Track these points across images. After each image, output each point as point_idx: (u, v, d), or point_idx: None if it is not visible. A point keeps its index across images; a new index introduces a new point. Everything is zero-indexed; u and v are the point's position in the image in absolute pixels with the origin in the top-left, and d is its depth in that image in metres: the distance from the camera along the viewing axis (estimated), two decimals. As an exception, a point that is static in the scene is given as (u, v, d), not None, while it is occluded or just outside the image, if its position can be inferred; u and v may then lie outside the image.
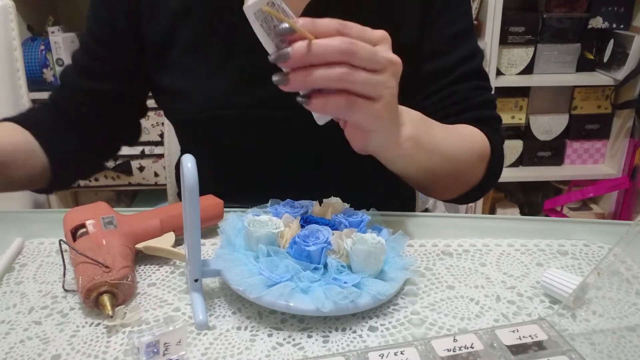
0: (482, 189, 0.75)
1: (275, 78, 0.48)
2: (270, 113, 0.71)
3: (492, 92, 0.79)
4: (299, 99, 0.49)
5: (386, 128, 0.54)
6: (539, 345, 0.44)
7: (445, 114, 0.74)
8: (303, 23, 0.46)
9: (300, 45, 0.46)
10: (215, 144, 0.77)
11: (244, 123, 0.73)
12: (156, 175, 1.99)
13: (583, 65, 1.98)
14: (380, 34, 0.50)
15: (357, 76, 0.47)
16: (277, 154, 0.76)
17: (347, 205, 0.61)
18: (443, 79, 0.74)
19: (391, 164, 0.62)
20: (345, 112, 0.50)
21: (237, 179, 0.79)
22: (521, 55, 1.94)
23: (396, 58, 0.51)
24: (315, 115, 0.53)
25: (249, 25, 0.47)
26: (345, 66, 0.47)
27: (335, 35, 0.47)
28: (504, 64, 1.95)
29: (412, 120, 0.59)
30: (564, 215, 2.13)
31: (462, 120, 0.74)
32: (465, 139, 0.71)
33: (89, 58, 0.77)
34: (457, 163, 0.68)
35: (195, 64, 0.72)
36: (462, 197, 0.74)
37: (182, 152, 0.90)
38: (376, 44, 0.50)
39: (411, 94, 0.77)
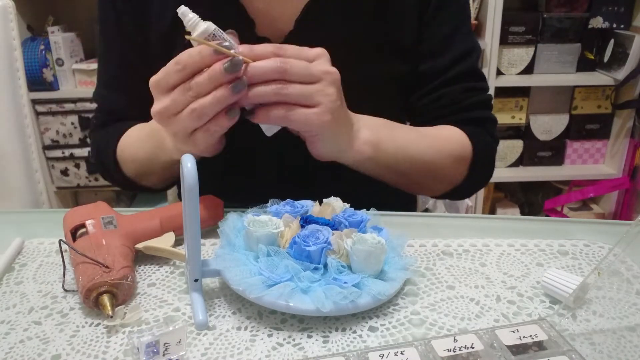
0: (468, 188, 0.76)
1: None
2: None
3: (488, 92, 0.79)
4: (245, 114, 0.55)
5: (333, 132, 0.58)
6: (539, 346, 0.44)
7: (438, 115, 0.74)
8: (241, 50, 0.53)
9: None
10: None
11: (243, 124, 0.73)
12: (156, 175, 1.99)
13: (583, 65, 1.98)
14: (317, 50, 0.56)
15: (290, 89, 0.53)
16: (277, 154, 0.76)
17: (347, 205, 0.61)
18: (437, 80, 0.75)
19: (356, 167, 0.66)
20: (285, 120, 0.55)
21: (237, 179, 0.79)
22: (521, 55, 1.94)
23: (332, 69, 0.56)
24: (263, 127, 0.59)
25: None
26: (280, 82, 0.53)
27: (272, 57, 0.53)
28: (504, 64, 1.95)
29: (370, 125, 0.64)
30: (564, 215, 2.13)
31: (454, 121, 0.74)
32: (438, 140, 0.72)
33: (112, 71, 0.79)
34: (426, 163, 0.70)
35: None
36: (448, 195, 0.76)
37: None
38: (312, 60, 0.55)
39: (409, 93, 0.77)
